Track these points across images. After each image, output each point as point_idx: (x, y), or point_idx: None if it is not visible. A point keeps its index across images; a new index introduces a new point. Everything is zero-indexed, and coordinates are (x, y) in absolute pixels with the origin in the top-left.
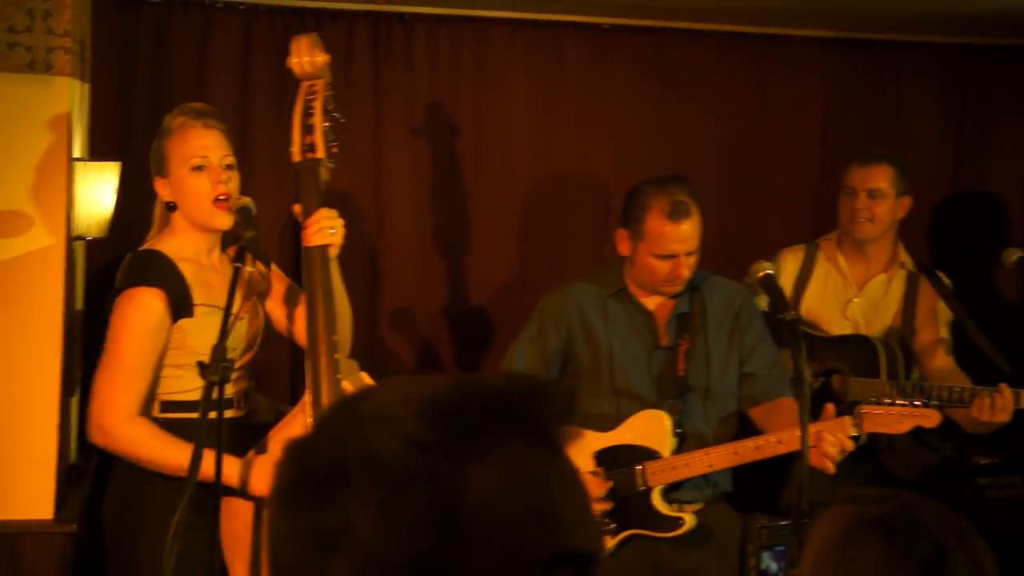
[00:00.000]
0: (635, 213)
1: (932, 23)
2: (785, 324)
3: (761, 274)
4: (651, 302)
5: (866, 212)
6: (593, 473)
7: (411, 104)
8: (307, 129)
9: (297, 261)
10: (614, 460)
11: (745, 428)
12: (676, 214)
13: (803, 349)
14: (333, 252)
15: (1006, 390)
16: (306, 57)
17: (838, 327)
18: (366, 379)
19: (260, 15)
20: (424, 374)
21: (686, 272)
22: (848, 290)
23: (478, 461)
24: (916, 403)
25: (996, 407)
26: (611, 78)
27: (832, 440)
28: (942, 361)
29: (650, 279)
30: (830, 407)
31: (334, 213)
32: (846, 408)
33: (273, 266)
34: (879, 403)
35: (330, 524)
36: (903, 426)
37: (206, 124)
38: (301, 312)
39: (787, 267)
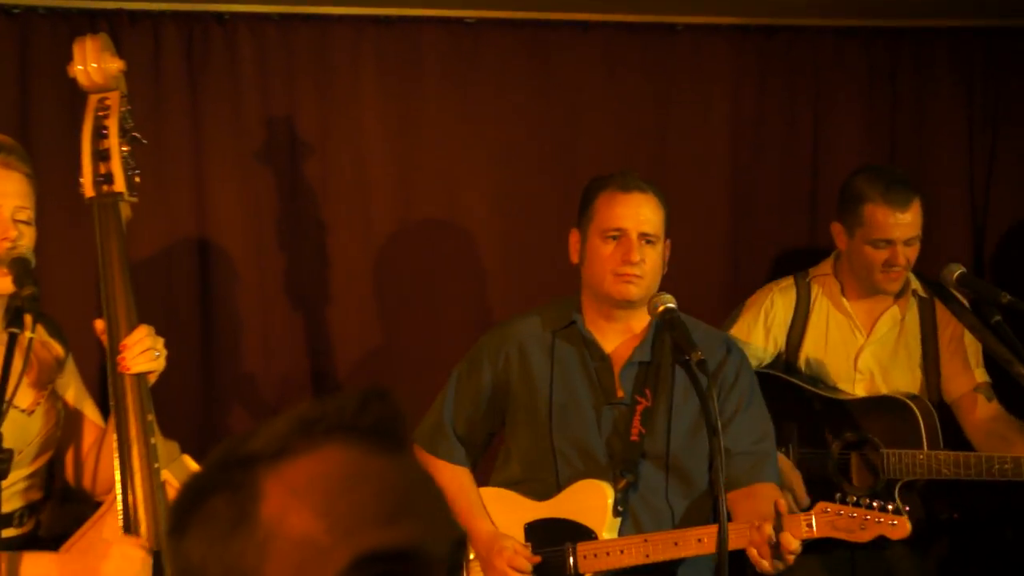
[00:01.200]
0: (585, 201)
1: (854, 4)
2: (690, 368)
3: (661, 308)
4: (608, 342)
5: (905, 264)
6: (524, 546)
7: (238, 122)
8: (100, 155)
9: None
10: (546, 535)
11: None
12: (624, 183)
13: (714, 403)
14: (153, 378)
15: None
16: (93, 64)
17: (848, 382)
18: (190, 463)
19: (39, 20)
20: None
21: (638, 256)
22: (856, 336)
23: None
24: (887, 507)
25: None
26: (481, 81)
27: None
28: (985, 410)
29: (596, 276)
30: (780, 502)
31: (152, 330)
32: (877, 488)
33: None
34: (843, 502)
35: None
36: (865, 534)
37: (5, 164)
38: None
39: (779, 311)
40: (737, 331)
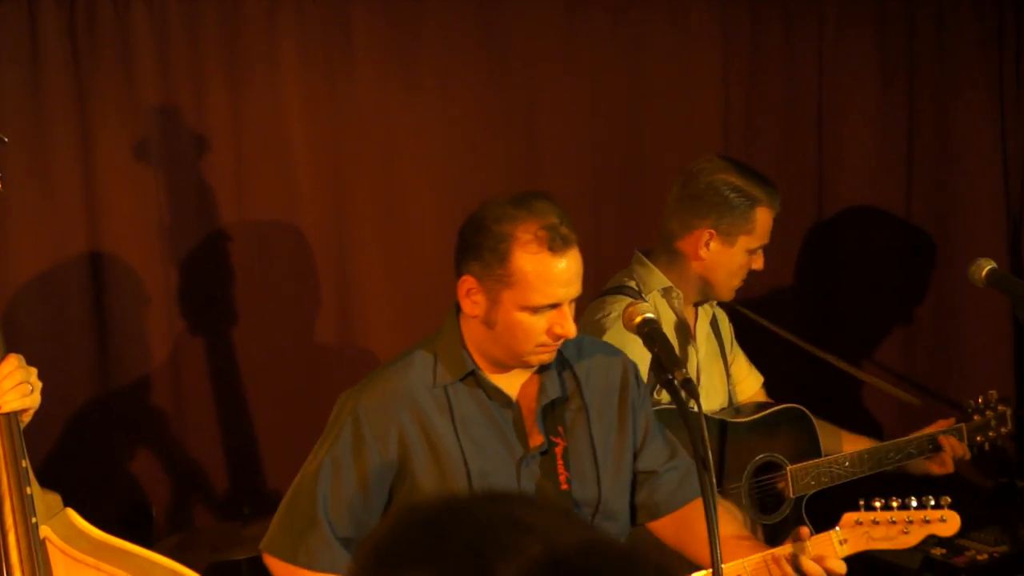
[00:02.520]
0: (491, 248)
1: None
2: (674, 389)
3: (639, 320)
4: (510, 386)
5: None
6: None
7: (133, 111)
8: None
9: None
10: None
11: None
12: (556, 245)
13: (703, 425)
14: (27, 417)
15: (944, 426)
16: None
17: (720, 398)
18: (75, 519)
19: None
20: None
21: (572, 326)
22: (691, 347)
23: None
24: (924, 503)
25: (956, 452)
26: (424, 59)
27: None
28: (754, 388)
29: (517, 345)
30: (804, 529)
31: (22, 360)
32: (790, 515)
33: None
34: (871, 508)
35: None
36: (912, 538)
37: None
38: None
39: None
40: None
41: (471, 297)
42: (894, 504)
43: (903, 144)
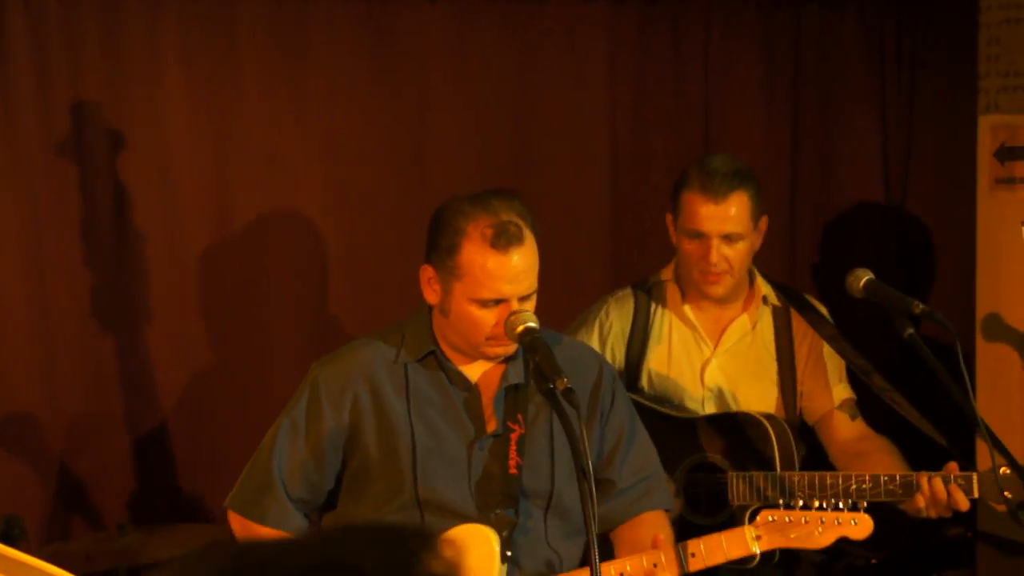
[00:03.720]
0: (445, 242)
1: None
2: (556, 398)
3: (520, 328)
4: (473, 370)
5: (723, 264)
6: None
7: (6, 111)
8: None
9: None
10: None
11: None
12: (500, 242)
13: (584, 435)
14: None
15: (955, 471)
16: None
17: (695, 401)
18: None
19: None
20: None
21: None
22: (702, 348)
23: None
24: (839, 506)
25: (937, 500)
26: (310, 62)
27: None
28: (847, 429)
29: (469, 335)
30: (659, 537)
31: None
32: (727, 521)
33: None
34: (789, 507)
35: None
36: (823, 539)
37: None
38: None
39: (615, 323)
40: None
41: (431, 286)
42: (813, 504)
43: (787, 152)
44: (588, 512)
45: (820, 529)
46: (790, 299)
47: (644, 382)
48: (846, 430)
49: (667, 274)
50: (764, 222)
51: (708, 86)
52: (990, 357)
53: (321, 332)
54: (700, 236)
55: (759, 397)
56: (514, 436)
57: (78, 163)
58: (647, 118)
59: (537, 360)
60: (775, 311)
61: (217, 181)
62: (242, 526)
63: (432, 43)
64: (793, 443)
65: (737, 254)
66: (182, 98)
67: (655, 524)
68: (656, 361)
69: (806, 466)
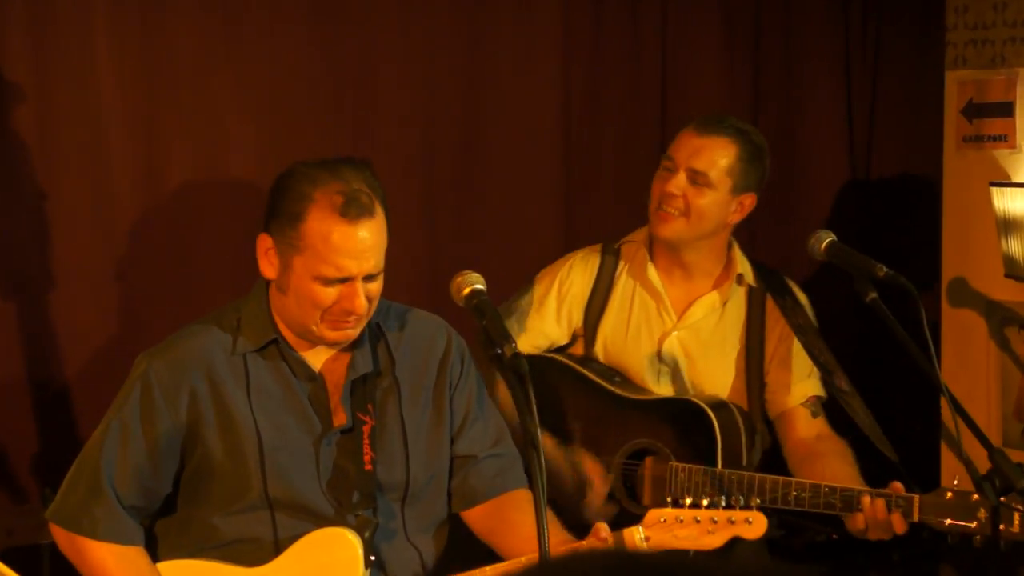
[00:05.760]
0: (288, 208)
1: None
2: (504, 365)
3: (467, 291)
4: (316, 357)
5: (678, 201)
6: None
7: None
8: None
9: None
10: None
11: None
12: (351, 212)
13: (532, 404)
14: None
15: (898, 492)
16: None
17: (651, 374)
18: None
19: None
20: None
21: (363, 304)
22: (664, 319)
23: None
24: (733, 504)
25: (877, 520)
26: (249, 14)
27: None
28: (806, 427)
29: (305, 316)
30: (600, 525)
31: None
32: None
33: None
34: (679, 505)
35: None
36: (715, 539)
37: None
38: None
39: (575, 282)
40: (527, 302)
41: (268, 258)
42: (703, 503)
43: (749, 113)
44: (537, 484)
45: (711, 528)
46: (769, 282)
47: (599, 348)
48: (804, 428)
49: (639, 235)
50: (749, 199)
51: (665, 44)
52: (956, 323)
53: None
54: (671, 165)
55: (717, 381)
56: (366, 429)
57: None
58: (601, 82)
59: (484, 324)
60: (750, 292)
61: (146, 136)
62: (68, 540)
63: (376, 21)
64: (743, 437)
65: (698, 198)
66: (110, 45)
67: (526, 502)
68: (612, 327)
69: (770, 459)
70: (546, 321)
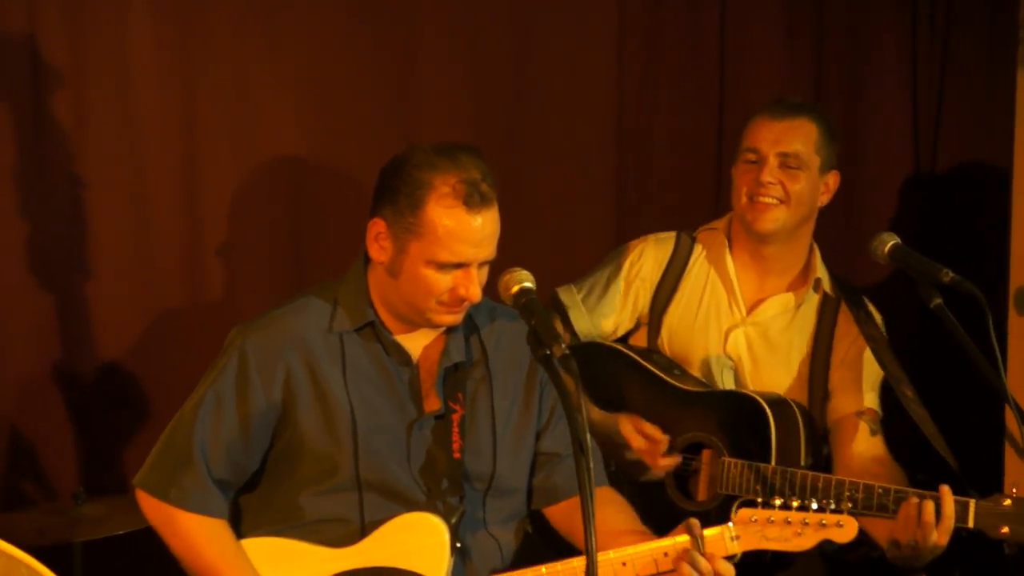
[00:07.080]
0: (406, 193)
1: None
2: (551, 366)
3: (515, 289)
4: (412, 343)
5: (775, 189)
6: None
7: None
8: None
9: None
10: None
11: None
12: (473, 201)
13: (583, 405)
14: None
15: (947, 496)
16: None
17: (716, 367)
18: None
19: None
20: None
21: (478, 291)
22: (733, 311)
23: None
24: (824, 507)
25: (924, 522)
26: (278, 17)
27: (703, 567)
28: (864, 444)
29: (419, 299)
30: (693, 522)
31: None
32: (717, 509)
33: None
34: (769, 505)
35: None
36: (805, 541)
37: None
38: None
39: (646, 264)
40: (593, 281)
41: (379, 242)
42: (793, 504)
43: None
44: (584, 484)
45: (800, 530)
46: (845, 292)
47: (664, 336)
48: (862, 444)
49: (720, 223)
50: (833, 178)
51: (724, 33)
52: (1023, 330)
53: (290, 283)
54: (756, 156)
55: (777, 383)
56: (456, 418)
57: (28, 100)
58: (656, 72)
59: (533, 324)
60: (825, 299)
61: (183, 122)
62: (155, 508)
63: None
64: (802, 435)
65: (794, 183)
66: (147, 30)
67: (613, 502)
68: (680, 315)
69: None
70: (608, 301)
